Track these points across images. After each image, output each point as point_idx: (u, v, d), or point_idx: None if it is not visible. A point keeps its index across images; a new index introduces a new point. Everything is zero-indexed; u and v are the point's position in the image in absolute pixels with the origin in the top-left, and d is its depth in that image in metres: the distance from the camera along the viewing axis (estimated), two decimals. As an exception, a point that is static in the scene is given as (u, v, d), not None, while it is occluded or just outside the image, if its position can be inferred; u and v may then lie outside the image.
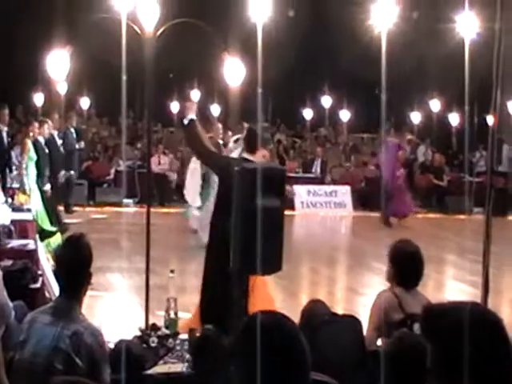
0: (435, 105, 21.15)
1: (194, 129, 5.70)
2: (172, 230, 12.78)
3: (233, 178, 4.30)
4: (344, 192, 17.67)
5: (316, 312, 3.95)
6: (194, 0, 18.03)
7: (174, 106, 20.45)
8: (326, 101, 22.28)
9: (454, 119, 20.17)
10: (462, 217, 14.44)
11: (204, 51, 16.87)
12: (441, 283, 10.08)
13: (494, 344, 1.71)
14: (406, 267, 4.12)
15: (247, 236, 4.04)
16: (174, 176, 17.73)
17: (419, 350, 1.90)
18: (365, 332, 4.02)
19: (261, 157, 5.56)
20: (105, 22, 7.89)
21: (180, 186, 18.11)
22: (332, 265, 11.28)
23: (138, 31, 5.59)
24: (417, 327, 3.58)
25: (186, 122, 5.78)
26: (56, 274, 3.68)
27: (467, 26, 11.34)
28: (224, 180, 5.35)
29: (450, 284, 9.96)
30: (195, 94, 20.63)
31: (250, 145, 5.55)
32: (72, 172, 13.96)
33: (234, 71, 10.33)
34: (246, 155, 5.55)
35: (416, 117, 21.32)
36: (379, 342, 4.00)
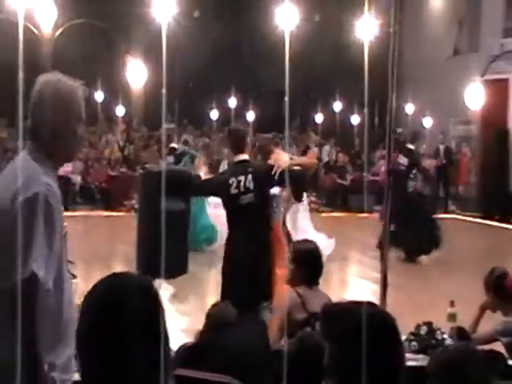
0: (338, 106, 21.67)
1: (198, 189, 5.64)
2: (78, 234, 12.48)
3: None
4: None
5: (221, 314, 3.97)
6: (96, 1, 17.68)
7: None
8: (232, 101, 22.40)
9: (356, 120, 20.73)
10: (364, 215, 14.83)
11: (106, 52, 16.57)
12: (344, 280, 10.34)
13: (387, 344, 1.76)
14: (307, 265, 4.20)
15: (151, 239, 4.02)
16: (77, 178, 17.33)
17: (318, 351, 1.94)
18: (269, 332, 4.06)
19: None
20: (1, 22, 7.64)
21: (85, 188, 17.73)
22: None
23: (36, 32, 5.44)
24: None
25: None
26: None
27: (367, 29, 11.68)
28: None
29: (353, 281, 10.21)
30: (99, 96, 20.26)
31: (237, 146, 5.40)
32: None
33: (136, 73, 10.23)
34: (238, 157, 5.36)
35: (320, 117, 21.78)
36: (283, 342, 4.06)
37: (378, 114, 18.51)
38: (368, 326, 1.74)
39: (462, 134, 19.08)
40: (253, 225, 5.14)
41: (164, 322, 1.73)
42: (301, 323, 3.99)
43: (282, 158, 5.84)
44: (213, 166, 18.87)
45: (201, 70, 21.01)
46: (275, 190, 5.99)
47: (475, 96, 9.21)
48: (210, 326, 3.86)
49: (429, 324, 4.44)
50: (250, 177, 5.20)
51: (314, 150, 13.03)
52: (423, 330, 4.36)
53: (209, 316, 3.95)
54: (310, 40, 19.50)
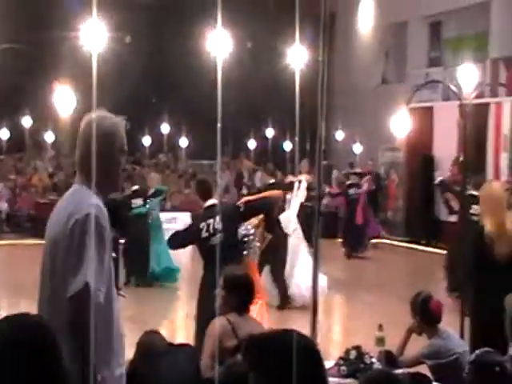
0: (270, 132, 21.91)
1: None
2: (2, 263, 12.13)
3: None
4: (184, 218, 17.73)
5: (152, 343, 3.92)
6: (25, 26, 17.44)
7: (4, 134, 19.64)
8: (165, 128, 22.34)
9: (288, 146, 20.99)
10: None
11: (34, 78, 16.29)
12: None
13: (311, 371, 1.79)
14: (238, 292, 4.21)
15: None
16: (4, 206, 16.86)
17: (244, 379, 1.95)
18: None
19: None
20: None
21: (12, 216, 17.26)
22: (171, 292, 11.26)
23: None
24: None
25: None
26: None
27: (297, 57, 11.90)
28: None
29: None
30: (27, 121, 19.88)
31: (205, 194, 5.90)
32: None
33: (64, 99, 10.13)
34: (207, 203, 5.83)
35: (252, 144, 21.96)
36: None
37: (310, 141, 18.81)
38: (291, 354, 1.77)
39: (390, 161, 19.58)
40: (224, 264, 5.34)
41: (60, 359, 1.80)
42: (231, 350, 3.98)
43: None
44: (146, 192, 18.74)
45: (132, 95, 20.91)
46: (247, 231, 6.12)
47: (401, 124, 9.49)
48: (141, 354, 3.81)
49: (358, 348, 4.51)
50: (217, 218, 5.61)
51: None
52: (352, 355, 4.42)
53: (139, 344, 3.90)
54: (243, 66, 19.72)
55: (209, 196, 5.87)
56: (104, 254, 2.72)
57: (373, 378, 2.41)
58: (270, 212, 6.26)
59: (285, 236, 9.45)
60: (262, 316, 6.16)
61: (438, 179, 10.54)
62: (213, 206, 5.82)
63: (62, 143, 20.76)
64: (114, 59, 16.99)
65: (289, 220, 9.45)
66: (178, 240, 6.00)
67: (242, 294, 4.23)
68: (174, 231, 6.15)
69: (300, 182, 9.93)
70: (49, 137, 20.28)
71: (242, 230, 6.04)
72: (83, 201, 2.76)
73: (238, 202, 5.74)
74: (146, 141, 22.02)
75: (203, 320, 5.17)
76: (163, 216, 17.62)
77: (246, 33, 20.10)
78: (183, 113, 21.21)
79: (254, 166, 21.16)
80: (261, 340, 1.91)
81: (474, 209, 9.72)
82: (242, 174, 20.58)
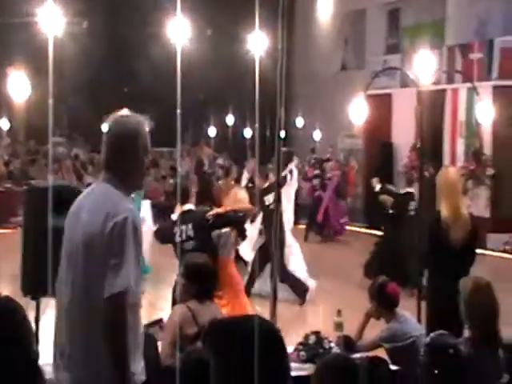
0: (230, 119, 21.87)
1: None
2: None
3: None
4: (144, 206, 17.60)
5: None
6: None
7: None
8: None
9: (249, 133, 20.99)
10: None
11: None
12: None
13: (273, 355, 1.80)
14: (198, 280, 4.22)
15: (37, 257, 3.93)
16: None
17: (203, 365, 1.96)
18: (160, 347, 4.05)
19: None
20: None
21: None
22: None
23: None
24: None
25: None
26: None
27: (257, 44, 11.88)
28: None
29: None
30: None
31: (184, 197, 6.22)
32: None
33: (19, 85, 9.95)
34: (184, 207, 6.14)
35: (213, 131, 21.89)
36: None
37: (270, 128, 18.82)
38: (252, 339, 1.78)
39: (349, 147, 19.73)
40: None
41: (32, 341, 1.80)
42: (192, 338, 3.99)
43: (238, 196, 6.78)
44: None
45: (91, 81, 20.62)
46: (223, 229, 6.27)
47: (359, 111, 9.57)
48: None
49: (317, 333, 4.56)
50: (190, 226, 5.90)
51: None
52: (311, 340, 4.47)
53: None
54: (203, 53, 19.59)
55: (186, 201, 6.12)
56: (140, 257, 2.86)
57: (329, 362, 2.45)
58: (239, 226, 6.47)
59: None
60: (245, 307, 6.24)
61: (377, 187, 10.67)
62: (188, 211, 6.07)
63: (18, 130, 20.40)
64: (71, 44, 16.72)
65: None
66: (158, 237, 6.45)
67: (202, 282, 4.24)
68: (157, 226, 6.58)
69: (291, 171, 9.95)
70: (4, 124, 19.90)
71: (214, 233, 6.10)
72: (119, 204, 2.87)
73: (208, 214, 5.94)
74: (105, 128, 21.74)
75: None
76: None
77: (206, 20, 19.97)
78: (143, 99, 21.01)
79: (214, 153, 21.11)
80: (221, 325, 1.92)
81: (412, 205, 9.98)
82: (203, 161, 20.51)
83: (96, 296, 2.75)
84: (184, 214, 6.04)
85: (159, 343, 4.12)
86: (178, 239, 5.90)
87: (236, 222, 6.23)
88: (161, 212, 17.91)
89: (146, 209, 17.65)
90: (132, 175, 3.01)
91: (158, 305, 8.51)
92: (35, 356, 1.75)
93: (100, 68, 20.73)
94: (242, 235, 6.73)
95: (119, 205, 2.86)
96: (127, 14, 20.50)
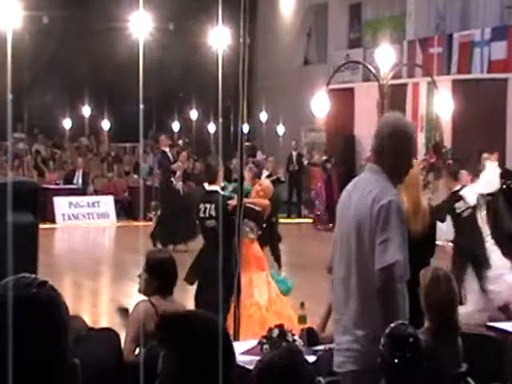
0: (194, 114, 21.79)
1: None
2: None
3: None
4: (107, 202, 17.48)
5: (72, 328, 3.87)
6: None
7: None
8: (86, 110, 21.87)
9: (213, 128, 20.94)
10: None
11: None
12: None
13: (217, 352, 1.78)
14: (160, 275, 4.20)
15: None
16: None
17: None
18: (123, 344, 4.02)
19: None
20: None
21: None
22: (95, 277, 11.09)
23: None
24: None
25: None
26: None
27: (220, 39, 11.85)
28: None
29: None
30: None
31: (211, 177, 6.69)
32: None
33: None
34: (210, 187, 6.60)
35: (176, 126, 21.78)
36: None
37: (233, 123, 18.81)
38: (200, 334, 1.78)
39: (313, 141, 19.83)
40: (215, 246, 5.87)
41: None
42: (154, 333, 3.97)
43: (265, 185, 7.38)
44: (66, 176, 18.32)
45: (53, 77, 20.35)
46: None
47: (321, 104, 9.62)
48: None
49: (280, 326, 4.58)
50: (213, 206, 6.35)
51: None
52: (275, 333, 4.49)
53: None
54: (165, 48, 19.48)
55: (214, 180, 6.57)
56: (405, 233, 3.31)
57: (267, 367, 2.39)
58: (257, 220, 6.97)
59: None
60: (269, 283, 6.90)
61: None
62: (214, 192, 6.49)
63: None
64: (30, 39, 16.50)
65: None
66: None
67: (164, 277, 4.22)
68: None
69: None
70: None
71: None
72: (385, 190, 3.31)
73: (229, 202, 6.14)
74: (67, 124, 21.49)
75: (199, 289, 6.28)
76: (86, 200, 17.35)
77: (168, 14, 19.85)
78: (105, 95, 20.81)
79: (178, 148, 20.97)
80: (171, 318, 1.92)
81: None
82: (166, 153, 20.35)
83: (368, 269, 3.23)
84: (210, 193, 6.53)
85: (122, 339, 4.10)
86: (201, 215, 6.42)
87: (253, 216, 6.69)
88: (125, 207, 17.84)
89: (109, 205, 17.55)
90: (399, 171, 3.44)
91: (120, 301, 8.47)
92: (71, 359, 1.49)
93: (61, 64, 20.46)
94: (259, 227, 7.00)
95: (385, 189, 3.31)
96: (89, 8, 20.24)
